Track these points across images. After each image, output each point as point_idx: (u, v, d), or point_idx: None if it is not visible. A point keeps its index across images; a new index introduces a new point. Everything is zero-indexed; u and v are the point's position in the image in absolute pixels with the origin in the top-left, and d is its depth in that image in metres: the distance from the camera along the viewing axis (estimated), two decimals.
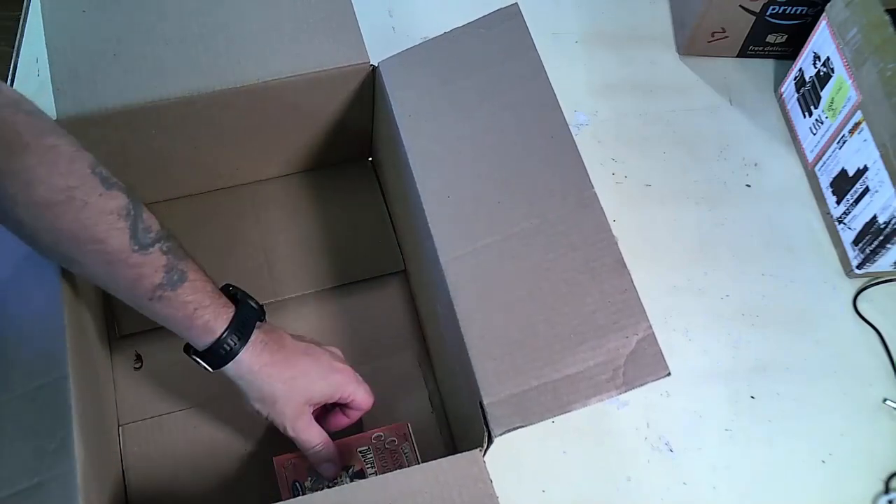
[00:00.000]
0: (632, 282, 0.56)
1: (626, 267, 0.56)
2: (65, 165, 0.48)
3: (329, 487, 0.59)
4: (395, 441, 0.62)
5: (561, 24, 0.91)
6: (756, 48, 0.88)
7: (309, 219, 0.75)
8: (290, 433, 0.57)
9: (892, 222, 0.69)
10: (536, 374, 0.53)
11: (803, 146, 0.82)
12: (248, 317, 0.55)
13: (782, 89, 0.86)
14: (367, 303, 0.72)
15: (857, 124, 0.72)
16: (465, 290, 0.56)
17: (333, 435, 0.62)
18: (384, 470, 0.60)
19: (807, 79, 0.80)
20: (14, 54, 0.83)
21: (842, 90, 0.74)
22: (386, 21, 0.89)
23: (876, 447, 0.69)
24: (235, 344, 0.54)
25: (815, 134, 0.80)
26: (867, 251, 0.73)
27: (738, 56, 0.89)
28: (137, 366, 0.67)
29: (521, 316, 0.55)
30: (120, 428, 0.64)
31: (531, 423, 0.52)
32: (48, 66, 0.63)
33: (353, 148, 0.77)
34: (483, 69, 0.64)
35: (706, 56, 0.89)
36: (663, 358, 0.54)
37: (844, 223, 0.76)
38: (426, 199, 0.59)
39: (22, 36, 0.84)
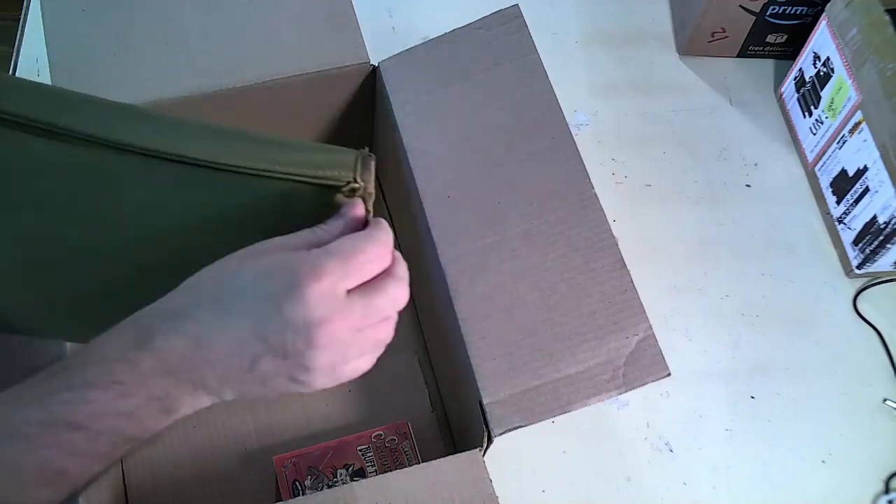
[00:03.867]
0: (632, 282, 0.56)
1: (626, 267, 0.56)
2: None
3: (329, 487, 0.59)
4: (395, 440, 0.62)
5: (561, 24, 0.91)
6: (756, 48, 0.88)
7: None
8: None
9: (892, 222, 0.69)
10: (536, 374, 0.53)
11: (803, 146, 0.82)
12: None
13: (782, 89, 0.86)
14: None
15: (857, 124, 0.72)
16: (465, 290, 0.56)
17: (332, 435, 0.62)
18: (384, 468, 0.60)
19: (807, 79, 0.80)
20: (14, 54, 0.83)
21: (842, 90, 0.74)
22: (386, 21, 0.89)
23: (876, 447, 0.69)
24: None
25: (815, 134, 0.80)
26: (867, 251, 0.73)
27: (738, 56, 0.89)
28: None
29: (521, 316, 0.55)
30: None
31: (531, 423, 0.52)
32: (48, 66, 0.63)
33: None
34: (483, 70, 0.64)
35: (706, 56, 0.89)
36: (663, 359, 0.54)
37: (844, 223, 0.76)
38: (426, 199, 0.59)
39: (22, 36, 0.84)
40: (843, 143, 0.75)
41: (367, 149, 0.45)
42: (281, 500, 0.56)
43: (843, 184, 0.75)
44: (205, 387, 0.39)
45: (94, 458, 0.38)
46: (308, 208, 0.43)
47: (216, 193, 0.43)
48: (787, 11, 0.82)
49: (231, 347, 0.38)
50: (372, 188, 0.44)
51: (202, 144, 0.43)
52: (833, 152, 0.77)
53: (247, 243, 0.41)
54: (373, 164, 0.44)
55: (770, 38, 0.86)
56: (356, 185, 0.44)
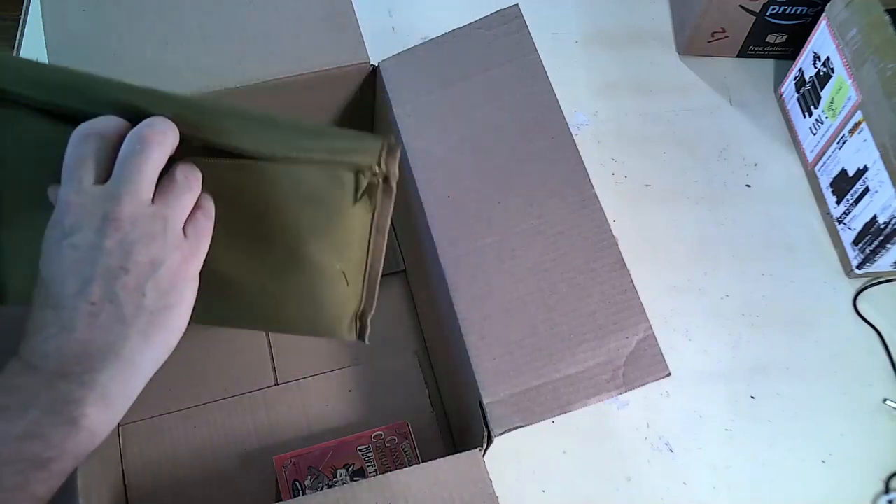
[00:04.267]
0: (632, 282, 0.56)
1: (626, 267, 0.56)
2: None
3: (329, 487, 0.59)
4: (395, 440, 0.62)
5: (561, 25, 0.91)
6: (756, 48, 0.88)
7: None
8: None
9: (892, 222, 0.69)
10: (536, 374, 0.53)
11: (803, 146, 0.82)
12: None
13: (782, 89, 0.86)
14: None
15: (857, 124, 0.72)
16: (465, 290, 0.56)
17: (332, 435, 0.62)
18: (384, 468, 0.60)
19: (807, 79, 0.80)
20: (14, 54, 0.83)
21: (842, 90, 0.74)
22: (386, 21, 0.89)
23: (876, 447, 0.69)
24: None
25: (815, 134, 0.80)
26: (867, 251, 0.73)
27: (738, 56, 0.89)
28: None
29: (521, 316, 0.55)
30: (120, 428, 0.64)
31: (531, 423, 0.52)
32: None
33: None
34: (483, 70, 0.64)
35: (706, 56, 0.89)
36: (663, 359, 0.54)
37: (844, 223, 0.76)
38: (426, 199, 0.59)
39: (22, 36, 0.84)
40: (843, 143, 0.75)
41: (392, 137, 0.46)
42: (281, 500, 0.56)
43: (843, 184, 0.75)
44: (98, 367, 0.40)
45: (8, 493, 0.37)
46: (332, 190, 0.45)
47: (233, 179, 0.45)
48: (787, 11, 0.82)
49: (81, 305, 0.39)
50: (396, 171, 0.46)
51: (236, 134, 0.44)
52: (833, 152, 0.77)
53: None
54: (398, 150, 0.46)
55: (770, 38, 0.86)
56: (377, 171, 0.45)
